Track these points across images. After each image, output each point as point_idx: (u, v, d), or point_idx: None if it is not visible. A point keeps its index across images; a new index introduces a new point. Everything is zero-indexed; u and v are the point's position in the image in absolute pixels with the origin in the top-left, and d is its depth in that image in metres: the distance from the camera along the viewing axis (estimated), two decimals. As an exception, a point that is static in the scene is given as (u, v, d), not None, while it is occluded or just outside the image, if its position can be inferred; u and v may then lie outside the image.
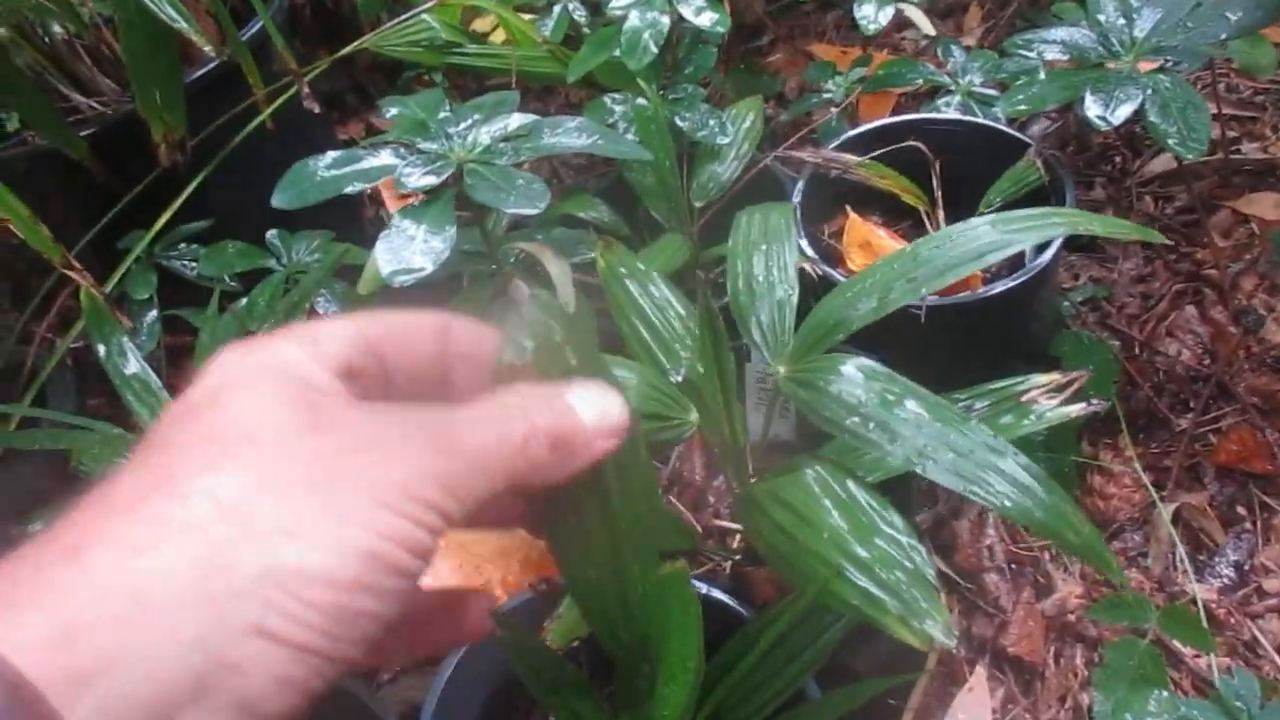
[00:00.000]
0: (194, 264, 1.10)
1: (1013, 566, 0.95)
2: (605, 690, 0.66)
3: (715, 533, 0.90)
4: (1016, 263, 0.97)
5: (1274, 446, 0.98)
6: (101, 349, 0.84)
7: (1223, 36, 0.89)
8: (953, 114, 1.08)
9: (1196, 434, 1.01)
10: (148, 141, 1.01)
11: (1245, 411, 1.01)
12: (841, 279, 0.94)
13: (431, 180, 0.77)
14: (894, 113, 1.27)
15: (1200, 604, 0.89)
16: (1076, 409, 0.65)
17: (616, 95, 1.03)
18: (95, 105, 1.15)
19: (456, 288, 0.95)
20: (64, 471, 0.84)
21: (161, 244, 1.09)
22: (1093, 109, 0.87)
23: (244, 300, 1.00)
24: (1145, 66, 0.91)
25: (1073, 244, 1.19)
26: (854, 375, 0.57)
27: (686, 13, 1.00)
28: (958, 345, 0.95)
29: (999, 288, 0.91)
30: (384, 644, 0.34)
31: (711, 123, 1.02)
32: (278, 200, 0.79)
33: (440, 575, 0.86)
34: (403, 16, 1.06)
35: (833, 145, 1.07)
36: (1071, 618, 0.91)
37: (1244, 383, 1.03)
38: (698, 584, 0.72)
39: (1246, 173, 1.23)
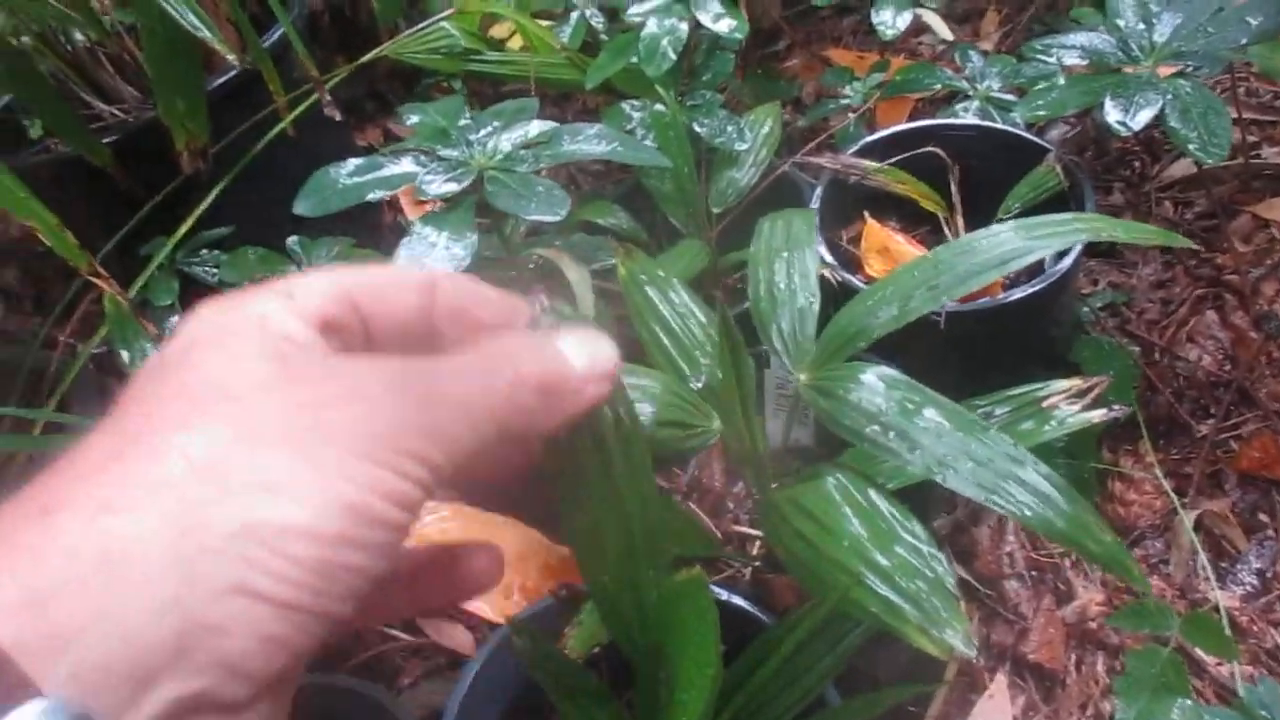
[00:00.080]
0: (215, 270, 1.11)
1: (1033, 573, 0.95)
2: (625, 697, 0.66)
3: (735, 539, 0.90)
4: (1036, 269, 0.97)
5: (1296, 453, 0.98)
6: (125, 354, 0.85)
7: (1243, 41, 0.88)
8: (971, 119, 1.08)
9: (1218, 440, 1.00)
10: (169, 148, 1.02)
11: (1267, 418, 1.00)
12: (860, 285, 0.94)
13: (453, 187, 0.77)
14: (911, 118, 1.27)
15: (1223, 611, 0.88)
16: (1098, 415, 0.65)
17: (634, 102, 1.03)
18: (117, 113, 1.16)
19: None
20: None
21: (183, 250, 1.10)
22: (1113, 114, 0.87)
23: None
24: (1164, 71, 0.90)
25: (1092, 249, 1.18)
26: (874, 384, 0.57)
27: (704, 19, 1.00)
28: (977, 351, 0.95)
29: (1019, 293, 0.91)
30: (378, 602, 0.33)
31: (729, 129, 1.02)
32: (300, 208, 0.79)
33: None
34: (422, 24, 1.07)
35: (851, 151, 1.07)
36: (1093, 625, 0.90)
37: (1265, 389, 1.03)
38: (717, 590, 0.72)
39: (1267, 177, 1.22)
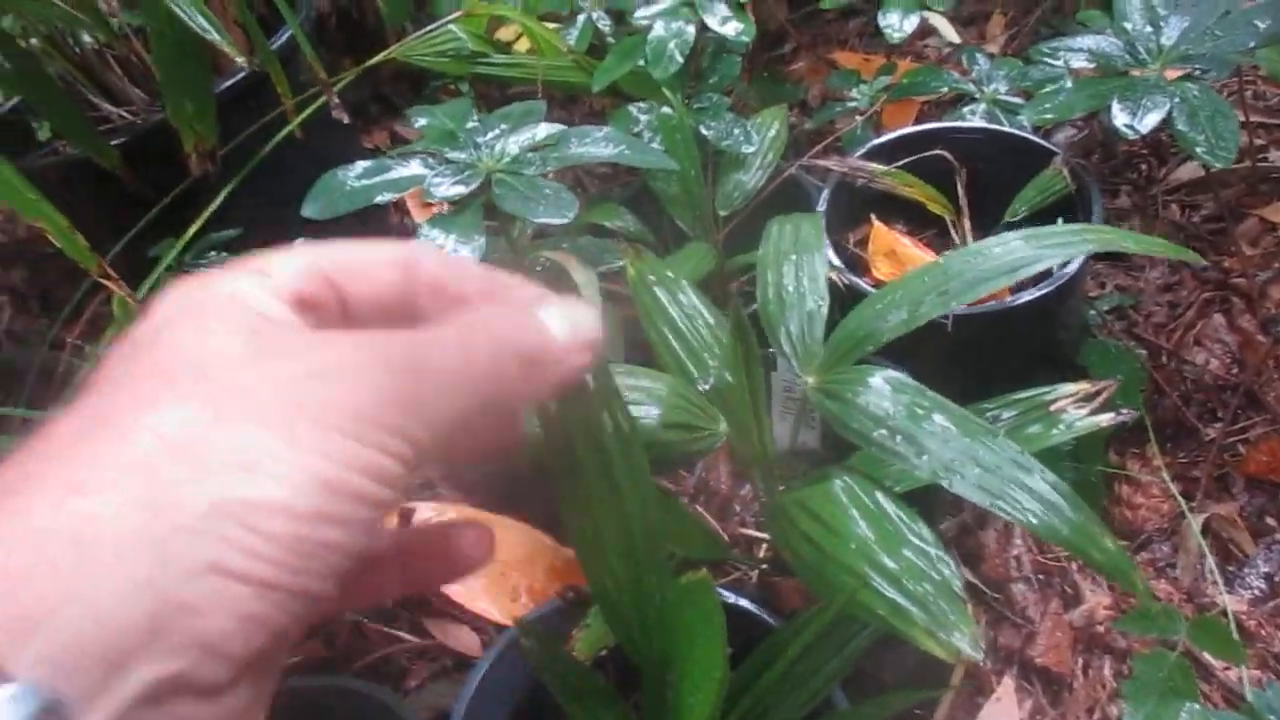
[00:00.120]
0: (223, 272, 1.11)
1: (1040, 577, 0.94)
2: (632, 699, 0.66)
3: (741, 541, 0.90)
4: (1044, 272, 0.97)
5: (1304, 457, 0.98)
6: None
7: (1251, 45, 0.88)
8: (978, 122, 1.08)
9: (1225, 444, 1.00)
10: (177, 150, 1.02)
11: (1275, 421, 1.00)
12: (868, 288, 0.94)
13: (461, 190, 0.77)
14: (917, 121, 1.27)
15: (1230, 616, 0.88)
16: (1106, 418, 0.65)
17: (641, 104, 1.03)
18: (125, 115, 1.17)
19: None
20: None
21: (192, 252, 1.10)
22: (1120, 117, 0.87)
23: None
24: (1172, 74, 0.90)
25: (1099, 253, 1.18)
26: (882, 388, 0.57)
27: (711, 22, 1.00)
28: (984, 354, 0.95)
29: (1026, 297, 0.91)
30: (367, 583, 0.33)
31: (736, 131, 1.02)
32: (308, 210, 0.80)
33: (466, 582, 0.86)
34: (430, 27, 1.07)
35: (857, 154, 1.07)
36: (1100, 629, 0.90)
37: (1273, 392, 1.02)
38: (723, 593, 0.72)
39: (1274, 180, 1.22)
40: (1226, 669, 0.86)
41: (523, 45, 1.18)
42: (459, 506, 0.90)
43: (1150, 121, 0.86)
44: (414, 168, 0.80)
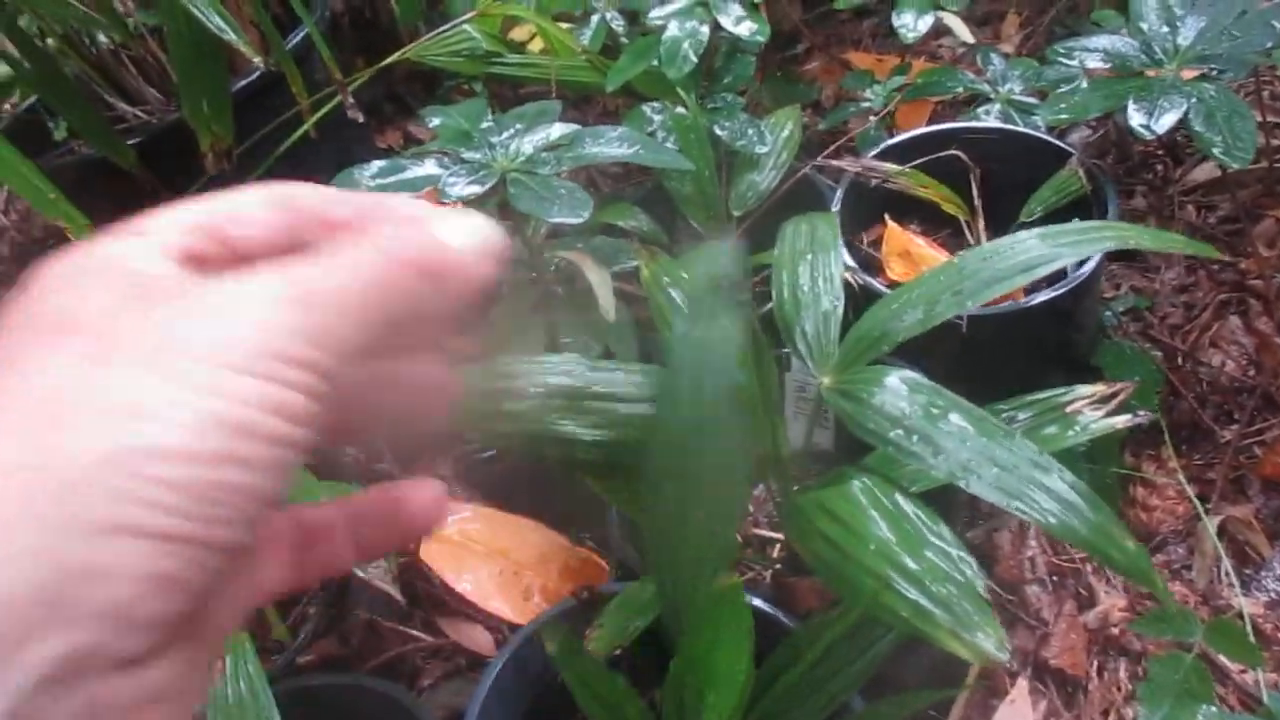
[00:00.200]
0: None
1: (1054, 578, 0.94)
2: (647, 697, 0.66)
3: (755, 541, 0.90)
4: (1059, 273, 0.96)
5: (1321, 459, 0.97)
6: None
7: (1268, 45, 0.88)
8: (992, 122, 1.07)
9: (1241, 446, 1.00)
10: (193, 149, 1.03)
11: (1291, 423, 1.00)
12: (882, 288, 0.94)
13: (476, 190, 0.77)
14: (931, 121, 1.27)
15: (1246, 618, 0.88)
16: (1122, 420, 0.64)
17: (655, 104, 1.03)
18: (141, 114, 1.17)
19: (496, 296, 0.95)
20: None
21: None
22: (1136, 118, 0.86)
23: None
24: (1188, 75, 0.90)
25: (1114, 253, 1.18)
26: (898, 388, 0.57)
27: (725, 22, 1.00)
28: (999, 355, 0.95)
29: (1041, 298, 0.91)
30: (319, 553, 0.32)
31: (750, 132, 1.02)
32: (324, 210, 0.80)
33: (480, 582, 0.86)
34: (444, 27, 1.07)
35: (871, 154, 1.07)
36: (1115, 631, 0.90)
37: (1289, 394, 1.02)
38: (738, 593, 0.72)
39: (1291, 181, 1.21)
40: (1242, 672, 0.86)
41: (536, 45, 1.18)
42: (475, 506, 0.90)
43: (1166, 122, 0.85)
44: (429, 167, 0.81)
